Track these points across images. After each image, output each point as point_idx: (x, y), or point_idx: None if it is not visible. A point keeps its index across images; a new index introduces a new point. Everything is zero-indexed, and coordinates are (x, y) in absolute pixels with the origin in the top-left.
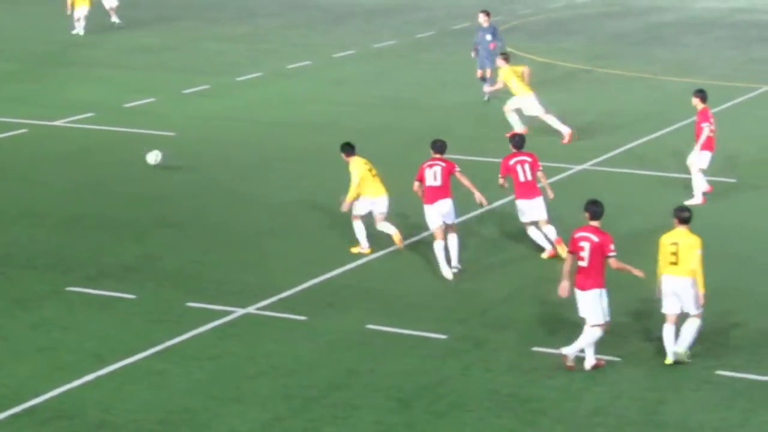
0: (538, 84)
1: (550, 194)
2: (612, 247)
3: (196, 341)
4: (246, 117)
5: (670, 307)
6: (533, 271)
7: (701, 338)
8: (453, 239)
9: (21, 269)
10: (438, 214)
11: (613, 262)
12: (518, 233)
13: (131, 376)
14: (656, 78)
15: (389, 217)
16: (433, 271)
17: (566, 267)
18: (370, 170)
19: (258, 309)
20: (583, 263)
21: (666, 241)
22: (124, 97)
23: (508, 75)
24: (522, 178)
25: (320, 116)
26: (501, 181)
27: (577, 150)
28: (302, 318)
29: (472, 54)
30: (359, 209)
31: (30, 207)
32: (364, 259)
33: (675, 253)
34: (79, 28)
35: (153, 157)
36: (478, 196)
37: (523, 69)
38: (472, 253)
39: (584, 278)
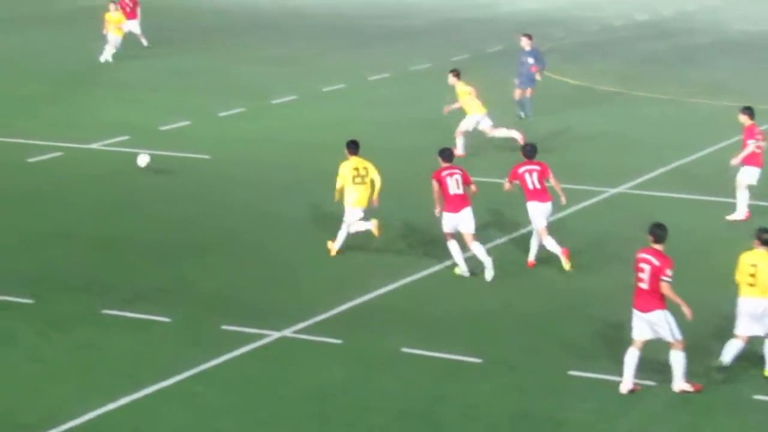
0: (573, 107)
1: (563, 199)
2: (668, 272)
3: (231, 364)
4: (281, 139)
5: (745, 329)
6: (567, 294)
7: (739, 360)
8: (477, 247)
9: (56, 291)
10: (458, 221)
11: (664, 287)
12: (550, 255)
13: (166, 399)
14: (690, 101)
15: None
16: (468, 294)
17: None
18: (356, 176)
19: (293, 332)
20: (644, 285)
21: (745, 261)
22: (159, 119)
23: (463, 92)
24: (530, 186)
25: (355, 138)
26: (507, 186)
27: (611, 173)
28: (337, 341)
29: (516, 81)
30: (345, 215)
31: (65, 229)
32: (399, 282)
33: (753, 275)
34: (107, 55)
35: (142, 160)
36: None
37: (472, 90)
38: (506, 274)
39: (645, 300)
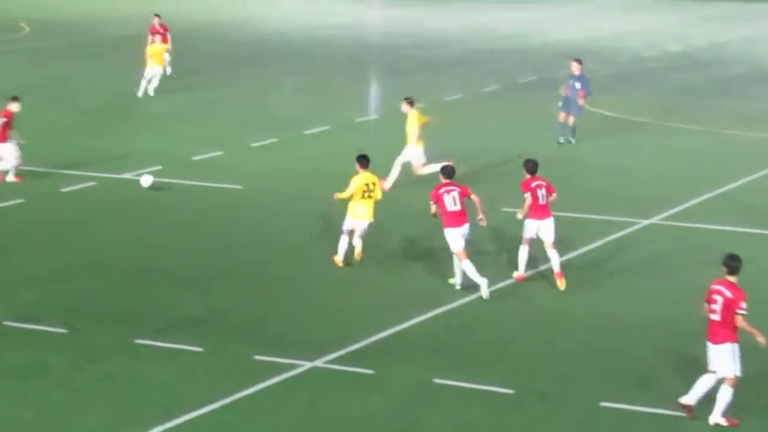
0: (607, 137)
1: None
2: (743, 305)
3: (262, 394)
4: (313, 170)
5: None
6: (600, 324)
7: None
8: (467, 264)
9: (89, 321)
10: (462, 236)
11: (739, 320)
12: (583, 286)
13: (198, 429)
14: (723, 132)
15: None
16: (500, 324)
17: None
18: (365, 191)
19: (325, 362)
20: (716, 317)
21: None
22: (191, 150)
23: (418, 120)
24: (542, 201)
25: (387, 169)
26: (529, 200)
27: (644, 204)
28: (369, 371)
29: (559, 104)
30: (346, 223)
31: (98, 259)
32: (431, 312)
33: None
34: (150, 90)
35: (146, 180)
36: (482, 218)
37: (428, 120)
38: (536, 305)
39: (716, 332)
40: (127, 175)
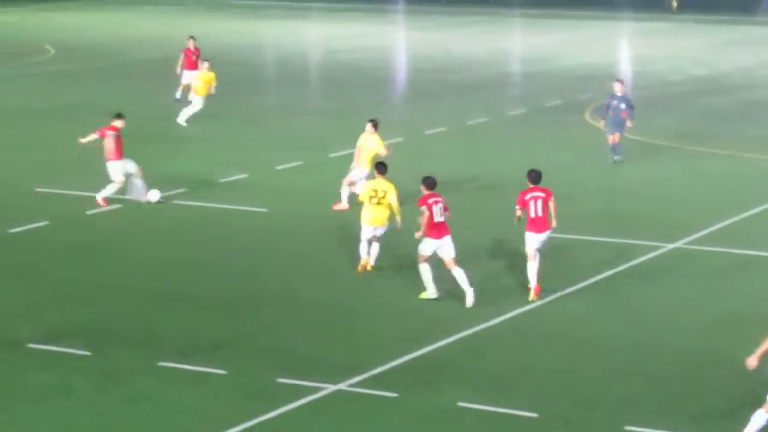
0: (630, 161)
1: (553, 223)
2: None
3: (287, 417)
4: (338, 193)
5: None
6: (624, 348)
7: None
8: (459, 272)
9: (114, 344)
10: (438, 247)
11: None
12: (606, 309)
13: None
14: (748, 156)
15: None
16: (522, 348)
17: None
18: (372, 197)
19: (349, 385)
20: None
21: None
22: (216, 172)
23: (379, 144)
24: (533, 214)
25: (411, 193)
26: (518, 213)
27: (669, 228)
28: (393, 395)
29: (602, 124)
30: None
31: (123, 282)
32: (455, 336)
33: None
34: (186, 116)
35: (153, 195)
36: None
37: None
38: (560, 329)
39: None
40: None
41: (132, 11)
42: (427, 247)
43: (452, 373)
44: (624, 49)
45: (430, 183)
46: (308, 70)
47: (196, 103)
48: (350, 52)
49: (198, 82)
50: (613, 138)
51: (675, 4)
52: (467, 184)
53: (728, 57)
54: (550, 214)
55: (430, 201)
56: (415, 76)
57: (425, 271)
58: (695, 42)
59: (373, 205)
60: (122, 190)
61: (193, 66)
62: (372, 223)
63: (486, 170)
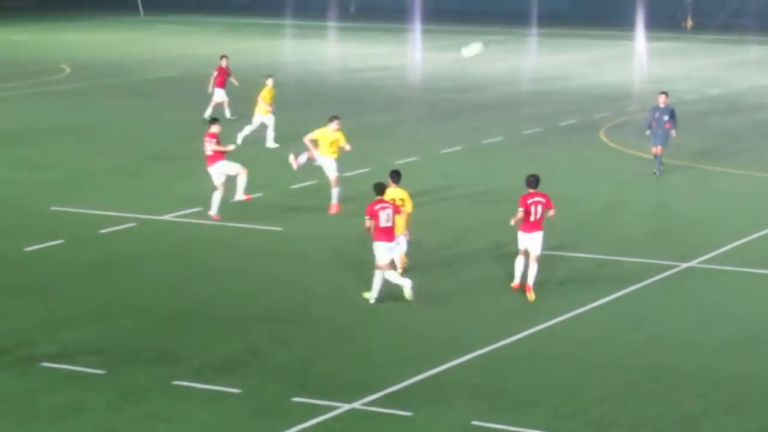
0: (645, 180)
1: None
2: None
3: None
4: (353, 212)
5: None
6: (639, 368)
7: None
8: (391, 274)
9: (128, 363)
10: (389, 250)
11: None
12: (621, 328)
13: None
14: (763, 176)
15: None
16: (537, 366)
17: None
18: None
19: (363, 404)
20: None
21: None
22: (230, 191)
23: (342, 139)
24: (532, 218)
25: (427, 213)
26: (520, 214)
27: (684, 247)
28: (408, 413)
29: (647, 132)
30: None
31: (137, 300)
32: (470, 354)
33: None
34: (270, 140)
35: (474, 49)
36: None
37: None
38: (575, 348)
39: None
40: (166, 217)
41: (145, 30)
42: (380, 252)
43: (467, 392)
44: (639, 68)
45: (381, 189)
46: (323, 88)
47: (269, 121)
48: (365, 71)
49: (262, 100)
50: (656, 149)
51: (690, 23)
52: (484, 202)
53: (742, 76)
54: (545, 218)
55: (377, 208)
56: (430, 95)
57: (390, 274)
58: (710, 61)
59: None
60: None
61: (223, 84)
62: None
63: (499, 186)
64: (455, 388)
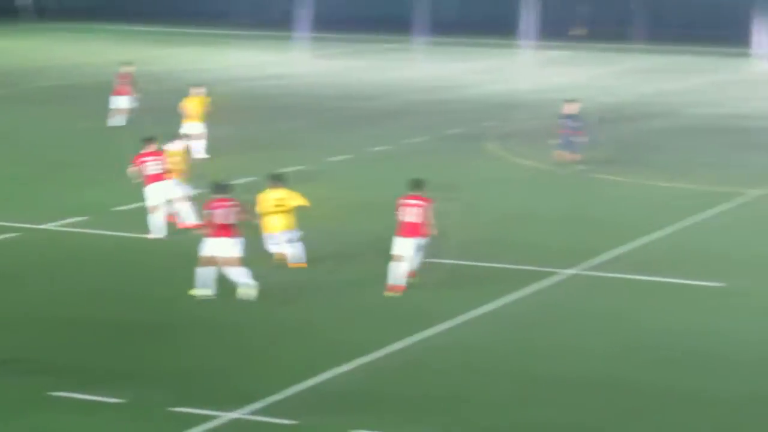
0: (530, 188)
1: (433, 231)
2: None
3: None
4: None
5: None
6: (528, 376)
7: None
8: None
9: (9, 375)
10: (233, 246)
11: None
12: (502, 339)
13: None
14: (647, 183)
15: None
16: (426, 375)
17: None
18: (275, 204)
19: (246, 413)
20: None
21: None
22: (118, 200)
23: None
24: (404, 219)
25: (313, 221)
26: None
27: (570, 254)
28: (291, 422)
29: (556, 143)
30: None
31: (17, 311)
32: (355, 362)
33: None
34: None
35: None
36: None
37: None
38: (462, 355)
39: None
40: (49, 226)
41: (40, 38)
42: (209, 248)
43: (353, 400)
44: (532, 77)
45: (220, 188)
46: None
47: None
48: (254, 80)
49: (194, 108)
50: (564, 155)
51: (581, 31)
52: (367, 211)
53: (631, 85)
54: (426, 223)
55: (215, 205)
56: (324, 104)
57: (205, 274)
58: (599, 71)
59: (275, 213)
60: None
61: (126, 92)
62: (274, 229)
63: (386, 194)
64: (341, 396)
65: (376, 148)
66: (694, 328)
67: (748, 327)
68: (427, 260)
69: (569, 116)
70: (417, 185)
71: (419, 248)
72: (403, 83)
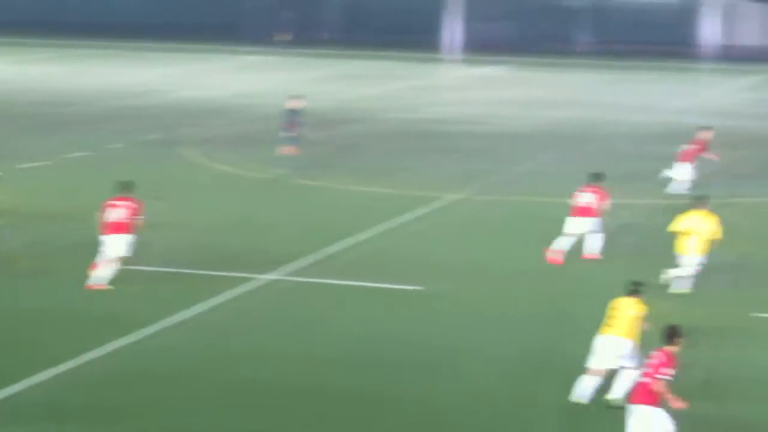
0: (220, 193)
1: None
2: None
3: None
4: None
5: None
6: (223, 382)
7: None
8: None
9: None
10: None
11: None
12: (198, 346)
13: None
14: (342, 188)
15: None
16: (123, 382)
17: None
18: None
19: None
20: None
21: None
22: None
23: None
24: (110, 219)
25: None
26: (101, 217)
27: (264, 260)
28: None
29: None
30: None
31: None
32: (51, 371)
33: None
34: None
35: None
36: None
37: None
38: (159, 362)
39: None
40: None
41: None
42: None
43: (48, 410)
44: (233, 82)
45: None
46: None
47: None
48: None
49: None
50: (282, 150)
51: (286, 37)
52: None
53: (330, 91)
54: (132, 222)
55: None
56: (18, 110)
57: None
58: (304, 75)
59: None
60: None
61: None
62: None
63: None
64: (34, 407)
65: (72, 155)
66: (392, 334)
67: (444, 332)
68: (127, 267)
69: (293, 111)
70: (125, 187)
71: (128, 245)
72: (103, 88)
